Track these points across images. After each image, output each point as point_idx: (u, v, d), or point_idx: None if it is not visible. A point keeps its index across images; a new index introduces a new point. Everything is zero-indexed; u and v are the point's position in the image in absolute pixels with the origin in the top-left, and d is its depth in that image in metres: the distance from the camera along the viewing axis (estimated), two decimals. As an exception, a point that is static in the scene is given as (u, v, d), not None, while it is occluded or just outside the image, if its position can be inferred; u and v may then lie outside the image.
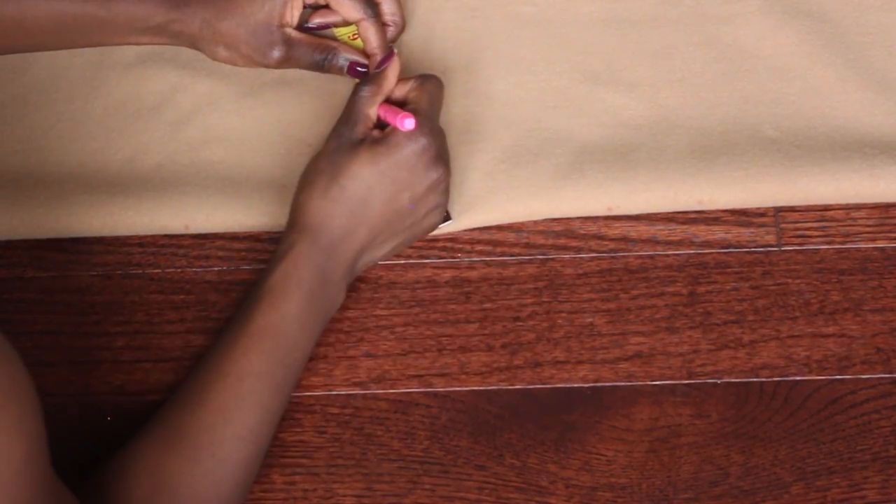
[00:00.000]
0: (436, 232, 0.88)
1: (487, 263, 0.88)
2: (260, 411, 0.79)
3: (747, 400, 0.83)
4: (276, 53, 0.92)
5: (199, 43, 0.93)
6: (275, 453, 0.83)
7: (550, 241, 0.89)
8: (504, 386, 0.84)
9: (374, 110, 0.86)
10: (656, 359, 0.84)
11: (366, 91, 0.86)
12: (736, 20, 0.96)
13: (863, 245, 0.88)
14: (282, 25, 0.92)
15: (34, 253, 0.90)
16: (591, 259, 0.88)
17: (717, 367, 0.84)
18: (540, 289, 0.87)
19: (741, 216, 0.89)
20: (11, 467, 0.61)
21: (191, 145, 0.93)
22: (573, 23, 0.97)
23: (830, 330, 0.85)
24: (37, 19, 0.92)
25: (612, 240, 0.88)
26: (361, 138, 0.84)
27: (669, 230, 0.89)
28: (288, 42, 0.92)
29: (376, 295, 0.87)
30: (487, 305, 0.87)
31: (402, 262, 0.89)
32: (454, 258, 0.89)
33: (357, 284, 0.88)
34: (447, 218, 0.88)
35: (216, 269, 0.89)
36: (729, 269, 0.87)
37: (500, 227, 0.89)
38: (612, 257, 0.88)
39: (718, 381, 0.84)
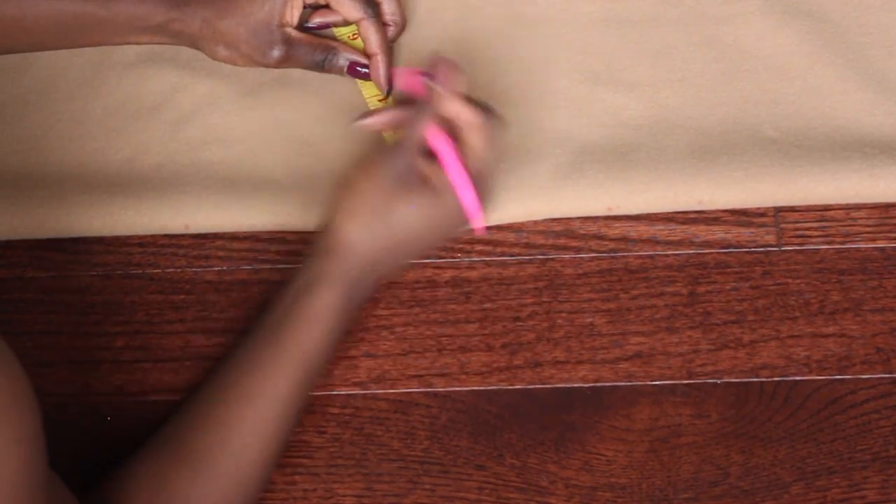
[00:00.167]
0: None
1: (487, 263, 0.88)
2: (282, 435, 0.80)
3: (747, 400, 0.83)
4: (276, 53, 0.92)
5: (199, 42, 0.93)
6: (275, 453, 0.83)
7: (550, 241, 0.89)
8: (504, 386, 0.84)
9: (423, 135, 0.83)
10: (656, 359, 0.84)
11: (418, 116, 0.83)
12: (736, 20, 0.96)
13: (863, 245, 0.88)
14: (282, 25, 0.92)
15: (34, 253, 0.90)
16: (591, 259, 0.88)
17: (717, 367, 0.84)
18: (540, 289, 0.87)
19: (741, 216, 0.89)
20: (10, 470, 0.61)
21: (191, 145, 0.93)
22: (573, 23, 0.97)
23: (830, 330, 0.85)
24: (37, 18, 0.92)
25: (612, 240, 0.88)
26: (411, 171, 0.82)
27: (669, 230, 0.89)
28: (288, 42, 0.92)
29: (376, 295, 0.87)
30: (487, 305, 0.87)
31: (402, 262, 0.89)
32: (454, 258, 0.89)
33: (357, 284, 0.88)
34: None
35: (216, 268, 0.89)
36: (729, 269, 0.87)
37: (500, 227, 0.89)
38: (612, 257, 0.88)
39: (718, 381, 0.84)
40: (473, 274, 0.88)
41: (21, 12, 0.91)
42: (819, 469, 0.81)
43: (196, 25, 0.92)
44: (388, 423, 0.83)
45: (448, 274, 0.88)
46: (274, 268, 0.89)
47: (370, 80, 0.94)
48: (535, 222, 0.89)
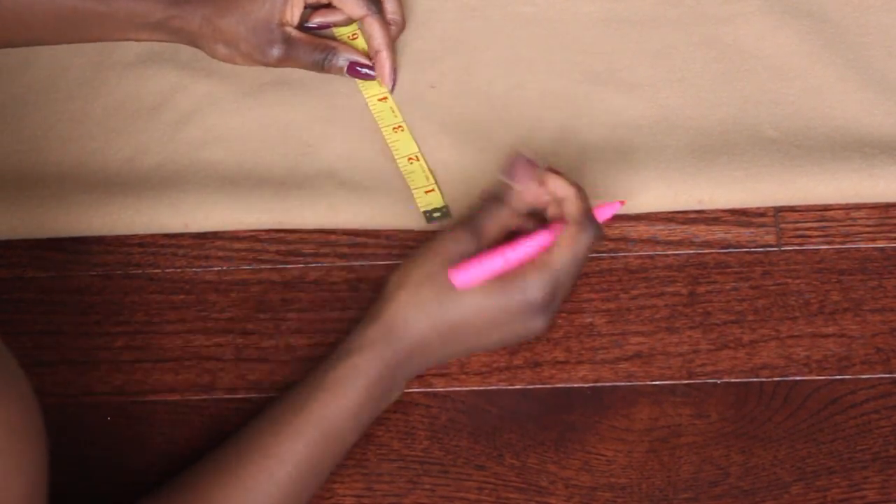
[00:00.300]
0: None
1: (487, 263, 0.88)
2: (293, 498, 0.77)
3: (747, 400, 0.83)
4: (276, 52, 0.92)
5: (198, 40, 0.93)
6: (275, 453, 0.83)
7: (550, 241, 0.89)
8: (504, 386, 0.84)
9: (497, 230, 0.80)
10: (656, 359, 0.84)
11: (495, 207, 0.80)
12: (736, 20, 0.96)
13: (863, 245, 0.87)
14: (282, 24, 0.92)
15: (34, 253, 0.90)
16: (591, 259, 0.88)
17: (716, 367, 0.84)
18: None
19: (741, 216, 0.89)
20: (11, 499, 0.61)
21: (190, 145, 0.93)
22: (573, 23, 0.97)
23: (830, 330, 0.85)
24: (35, 13, 0.91)
25: (611, 240, 0.88)
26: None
27: (669, 230, 0.89)
28: (288, 41, 0.92)
29: (377, 294, 0.87)
30: (487, 305, 0.87)
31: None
32: (454, 258, 0.89)
33: (358, 284, 0.88)
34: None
35: (216, 269, 0.89)
36: (729, 269, 0.87)
37: (499, 227, 0.89)
38: (612, 257, 0.88)
39: (718, 381, 0.84)
40: (473, 274, 0.88)
41: (20, 6, 0.91)
42: (819, 469, 0.80)
43: (196, 23, 0.92)
44: (387, 423, 0.83)
45: (448, 274, 0.88)
46: (274, 268, 0.89)
47: (370, 80, 0.94)
48: (535, 222, 0.89)
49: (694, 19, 0.96)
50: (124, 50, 0.97)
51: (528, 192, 0.81)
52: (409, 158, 0.91)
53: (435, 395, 0.84)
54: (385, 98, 0.93)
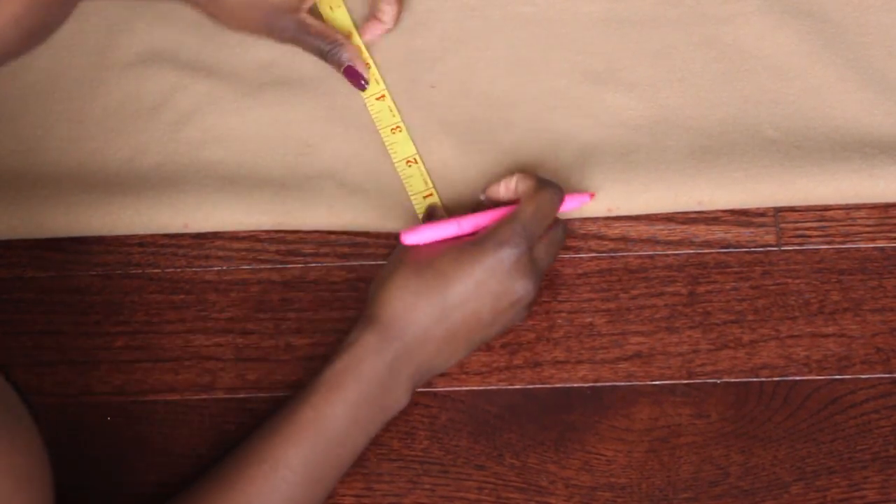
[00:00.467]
0: None
1: (487, 263, 0.88)
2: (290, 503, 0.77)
3: (747, 400, 0.83)
4: (287, 30, 0.91)
5: (210, 5, 0.91)
6: (274, 453, 0.83)
7: (550, 241, 0.89)
8: (504, 386, 0.84)
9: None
10: (656, 359, 0.84)
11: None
12: (736, 20, 0.96)
13: (862, 245, 0.87)
14: (298, 8, 0.91)
15: (34, 253, 0.90)
16: (591, 259, 0.88)
17: (716, 366, 0.84)
18: (539, 288, 0.87)
19: (741, 216, 0.89)
20: None
21: (190, 145, 0.93)
22: (573, 23, 0.97)
23: (830, 330, 0.85)
24: None
25: (611, 240, 0.88)
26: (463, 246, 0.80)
27: (669, 230, 0.89)
28: (300, 23, 0.92)
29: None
30: (487, 305, 0.87)
31: (402, 262, 0.89)
32: (454, 258, 0.89)
33: (358, 284, 0.88)
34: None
35: (216, 268, 0.89)
36: (729, 269, 0.87)
37: (499, 227, 0.89)
38: (612, 257, 0.88)
39: (718, 381, 0.84)
40: (473, 274, 0.88)
41: None
42: (819, 469, 0.80)
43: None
44: (387, 423, 0.83)
45: (448, 274, 0.88)
46: (273, 268, 0.89)
47: (360, 89, 0.93)
48: (535, 222, 0.89)
49: (694, 19, 0.96)
50: (124, 50, 0.97)
51: (494, 193, 0.84)
52: (408, 161, 0.91)
53: (435, 394, 0.84)
54: (383, 96, 0.93)
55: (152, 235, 0.90)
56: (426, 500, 0.81)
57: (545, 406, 0.84)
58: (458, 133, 0.92)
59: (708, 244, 0.88)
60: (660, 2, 0.97)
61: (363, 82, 0.93)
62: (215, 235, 0.90)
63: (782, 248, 0.88)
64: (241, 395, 0.85)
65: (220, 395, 0.85)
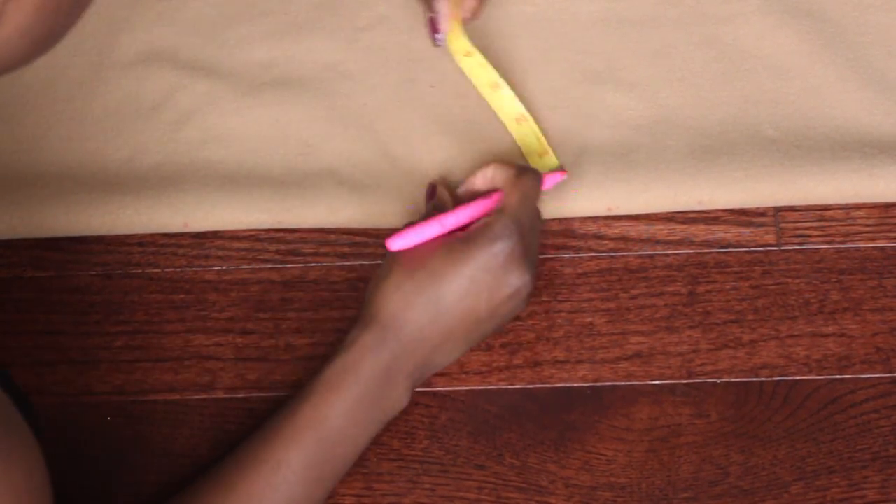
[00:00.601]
0: None
1: (487, 263, 0.88)
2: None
3: (747, 400, 0.83)
4: None
5: None
6: (274, 453, 0.83)
7: (550, 241, 0.89)
8: (504, 386, 0.84)
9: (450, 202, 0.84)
10: (656, 358, 0.84)
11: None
12: (736, 20, 0.96)
13: (862, 245, 0.88)
14: None
15: (34, 253, 0.90)
16: (591, 259, 0.88)
17: (716, 366, 0.84)
18: (539, 288, 0.87)
19: (741, 216, 0.89)
20: None
21: (190, 145, 0.93)
22: (573, 23, 0.97)
23: (830, 330, 0.85)
24: None
25: (611, 239, 0.88)
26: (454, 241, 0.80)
27: (669, 230, 0.89)
28: None
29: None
30: (487, 305, 0.87)
31: (402, 261, 0.89)
32: (454, 258, 0.89)
33: (357, 284, 0.88)
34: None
35: (216, 268, 0.89)
36: (728, 269, 0.87)
37: (499, 227, 0.89)
38: (612, 257, 0.88)
39: (718, 381, 0.84)
40: (473, 274, 0.88)
41: None
42: (819, 469, 0.80)
43: None
44: (387, 423, 0.83)
45: (448, 274, 0.88)
46: (273, 267, 0.89)
47: (435, 44, 0.93)
48: (535, 222, 0.89)
49: (694, 19, 0.96)
50: (124, 50, 0.97)
51: (472, 185, 0.84)
52: (518, 119, 0.90)
53: (435, 394, 0.84)
54: (470, 54, 0.92)
55: (152, 235, 0.90)
56: (426, 500, 0.81)
57: (545, 406, 0.84)
58: (458, 133, 0.92)
59: (708, 244, 0.88)
60: (660, 1, 0.97)
61: (439, 36, 0.92)
62: (215, 235, 0.90)
63: (782, 248, 0.88)
64: (241, 395, 0.85)
65: (220, 394, 0.85)
